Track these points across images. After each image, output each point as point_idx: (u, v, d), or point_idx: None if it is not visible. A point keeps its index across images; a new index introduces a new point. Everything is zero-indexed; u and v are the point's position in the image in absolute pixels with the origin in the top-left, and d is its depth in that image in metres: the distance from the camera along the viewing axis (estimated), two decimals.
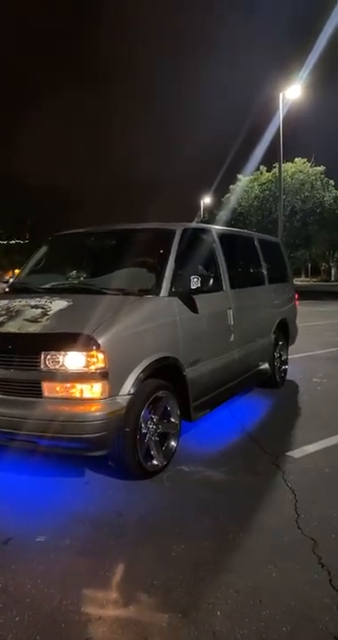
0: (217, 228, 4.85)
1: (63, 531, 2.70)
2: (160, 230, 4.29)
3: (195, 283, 3.70)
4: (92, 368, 2.94)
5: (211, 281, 3.92)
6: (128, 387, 3.09)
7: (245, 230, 6.38)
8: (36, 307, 3.47)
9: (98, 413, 2.92)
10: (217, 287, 4.28)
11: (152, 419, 3.36)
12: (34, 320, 3.27)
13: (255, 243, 5.51)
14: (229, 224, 26.01)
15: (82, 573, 2.33)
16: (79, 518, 2.84)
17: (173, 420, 3.53)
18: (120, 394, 3.06)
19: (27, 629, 1.98)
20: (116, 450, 3.12)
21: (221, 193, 32.27)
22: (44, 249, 4.83)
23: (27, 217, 42.63)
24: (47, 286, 4.05)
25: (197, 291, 3.75)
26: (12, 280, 5.47)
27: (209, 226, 4.70)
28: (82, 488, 3.27)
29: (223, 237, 4.65)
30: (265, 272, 5.50)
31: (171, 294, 3.64)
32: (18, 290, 4.17)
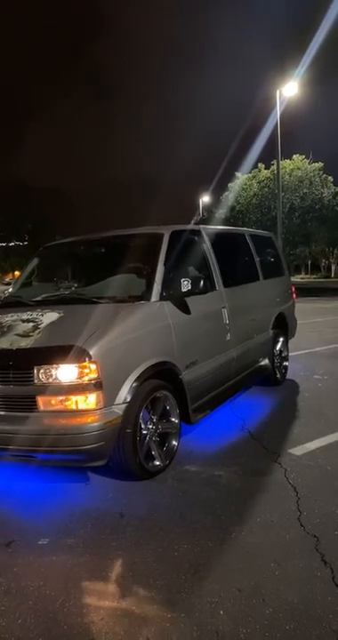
0: (207, 227, 4.82)
1: (65, 532, 2.71)
2: (148, 235, 4.26)
3: (185, 285, 3.69)
4: (86, 379, 2.93)
5: (202, 282, 3.90)
6: (124, 395, 3.09)
7: (236, 227, 6.34)
8: (27, 320, 3.46)
9: (94, 424, 2.92)
10: (210, 287, 4.26)
11: (152, 419, 3.36)
12: (26, 334, 3.26)
13: (247, 239, 5.47)
14: (227, 222, 26.03)
15: (84, 574, 2.33)
16: (81, 519, 2.84)
17: (172, 419, 3.52)
18: (116, 403, 3.05)
19: (29, 631, 1.98)
20: (116, 453, 3.12)
21: (219, 191, 32.28)
22: (35, 260, 4.85)
23: (27, 219, 42.63)
24: (39, 298, 4.04)
25: (189, 293, 3.73)
26: (12, 283, 5.52)
27: (198, 226, 4.66)
28: (83, 489, 3.27)
29: (213, 236, 4.62)
30: (259, 267, 5.47)
31: (162, 298, 3.62)
32: (10, 304, 4.14)
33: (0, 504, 3.12)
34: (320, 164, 27.71)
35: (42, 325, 3.34)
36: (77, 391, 2.94)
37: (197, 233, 4.46)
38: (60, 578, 2.30)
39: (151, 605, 2.10)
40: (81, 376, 2.93)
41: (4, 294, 4.78)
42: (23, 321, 3.48)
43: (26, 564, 2.44)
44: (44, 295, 4.12)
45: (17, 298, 4.29)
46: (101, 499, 3.10)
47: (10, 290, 4.84)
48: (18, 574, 2.35)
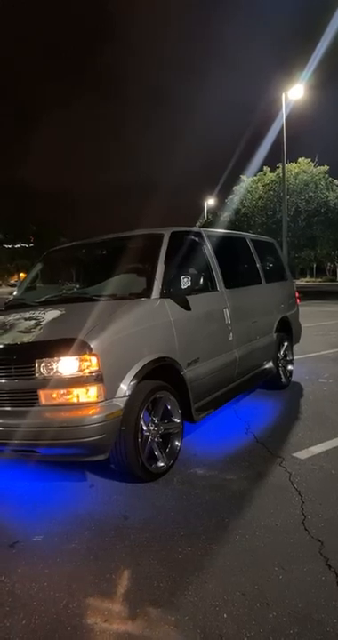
0: (207, 230, 4.91)
1: (69, 533, 2.71)
2: (149, 235, 4.33)
3: (185, 282, 3.71)
4: (87, 372, 2.95)
5: (201, 280, 3.94)
6: (124, 388, 3.10)
7: (237, 232, 6.42)
8: (30, 319, 3.53)
9: (95, 416, 2.93)
10: (211, 287, 4.33)
11: (153, 420, 3.36)
12: (27, 331, 3.31)
13: (248, 243, 5.51)
14: (233, 225, 26.02)
15: (88, 576, 2.33)
16: (85, 521, 2.84)
17: (174, 419, 3.53)
18: (117, 396, 3.07)
19: (33, 633, 1.98)
20: (117, 453, 3.13)
21: (224, 194, 32.29)
22: (39, 265, 4.98)
23: (32, 221, 42.81)
24: (41, 299, 4.13)
25: (189, 290, 3.76)
26: (17, 285, 5.68)
27: (198, 228, 4.75)
28: (87, 491, 3.27)
29: (214, 239, 4.68)
30: (261, 271, 5.51)
31: (162, 296, 3.66)
32: (14, 306, 4.22)
33: (4, 505, 3.13)
34: (326, 168, 27.63)
35: (43, 322, 3.39)
36: (78, 384, 2.96)
37: (198, 235, 4.51)
38: (64, 579, 2.31)
39: (155, 608, 2.09)
40: (82, 369, 2.95)
41: (11, 296, 4.85)
42: (25, 319, 3.54)
43: (30, 565, 2.44)
44: (46, 296, 4.20)
45: (20, 300, 4.36)
46: (105, 501, 3.11)
47: (14, 293, 4.92)
48: (22, 575, 2.36)
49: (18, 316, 3.65)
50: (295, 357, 6.25)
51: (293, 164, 27.63)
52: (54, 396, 2.99)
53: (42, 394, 3.00)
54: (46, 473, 3.50)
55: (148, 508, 2.97)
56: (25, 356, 3.09)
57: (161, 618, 2.03)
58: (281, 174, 22.55)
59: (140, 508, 2.99)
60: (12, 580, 2.32)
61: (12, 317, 3.65)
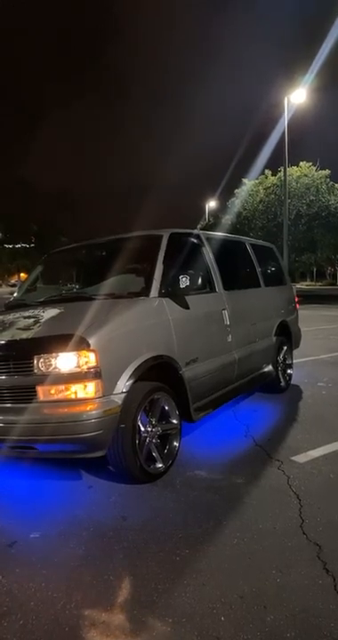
0: (206, 232, 4.96)
1: (68, 534, 2.71)
2: (148, 236, 4.37)
3: (184, 282, 3.73)
4: (85, 368, 2.96)
5: (200, 279, 3.96)
6: (122, 385, 3.11)
7: (236, 235, 6.46)
8: (29, 317, 3.56)
9: (93, 412, 2.94)
10: (209, 288, 4.36)
11: (151, 422, 3.37)
12: (26, 328, 3.33)
13: (247, 247, 5.56)
14: (234, 228, 26.07)
15: (86, 577, 2.33)
16: (83, 522, 2.84)
17: (172, 420, 3.53)
18: (115, 392, 3.07)
19: (30, 633, 1.98)
20: (115, 455, 3.14)
21: (226, 197, 32.38)
22: (39, 267, 5.03)
23: (33, 221, 42.81)
24: (41, 299, 4.18)
25: (187, 289, 3.78)
26: (17, 285, 5.76)
27: (197, 231, 4.77)
28: (86, 492, 3.27)
29: (213, 241, 4.72)
30: (260, 275, 5.54)
31: (161, 295, 3.69)
32: (13, 306, 4.26)
33: (3, 505, 3.13)
34: (327, 172, 27.70)
35: (42, 320, 3.43)
36: (77, 380, 2.97)
37: (197, 237, 4.54)
38: (62, 580, 2.31)
39: (152, 609, 2.10)
40: (80, 364, 2.96)
41: (11, 296, 4.89)
42: (25, 317, 3.58)
43: (28, 565, 2.44)
44: (46, 296, 4.24)
45: (20, 301, 4.41)
46: (104, 502, 3.11)
47: (15, 294, 4.96)
48: (20, 575, 2.36)
49: (17, 315, 3.69)
50: (294, 361, 6.25)
51: (295, 167, 27.70)
52: (52, 391, 3.00)
53: (40, 390, 3.00)
54: (46, 473, 3.51)
55: (146, 510, 2.97)
56: (23, 352, 3.10)
57: (158, 620, 2.03)
58: (282, 178, 22.60)
59: (139, 509, 2.99)
60: (10, 580, 2.33)
61: (11, 316, 3.69)
